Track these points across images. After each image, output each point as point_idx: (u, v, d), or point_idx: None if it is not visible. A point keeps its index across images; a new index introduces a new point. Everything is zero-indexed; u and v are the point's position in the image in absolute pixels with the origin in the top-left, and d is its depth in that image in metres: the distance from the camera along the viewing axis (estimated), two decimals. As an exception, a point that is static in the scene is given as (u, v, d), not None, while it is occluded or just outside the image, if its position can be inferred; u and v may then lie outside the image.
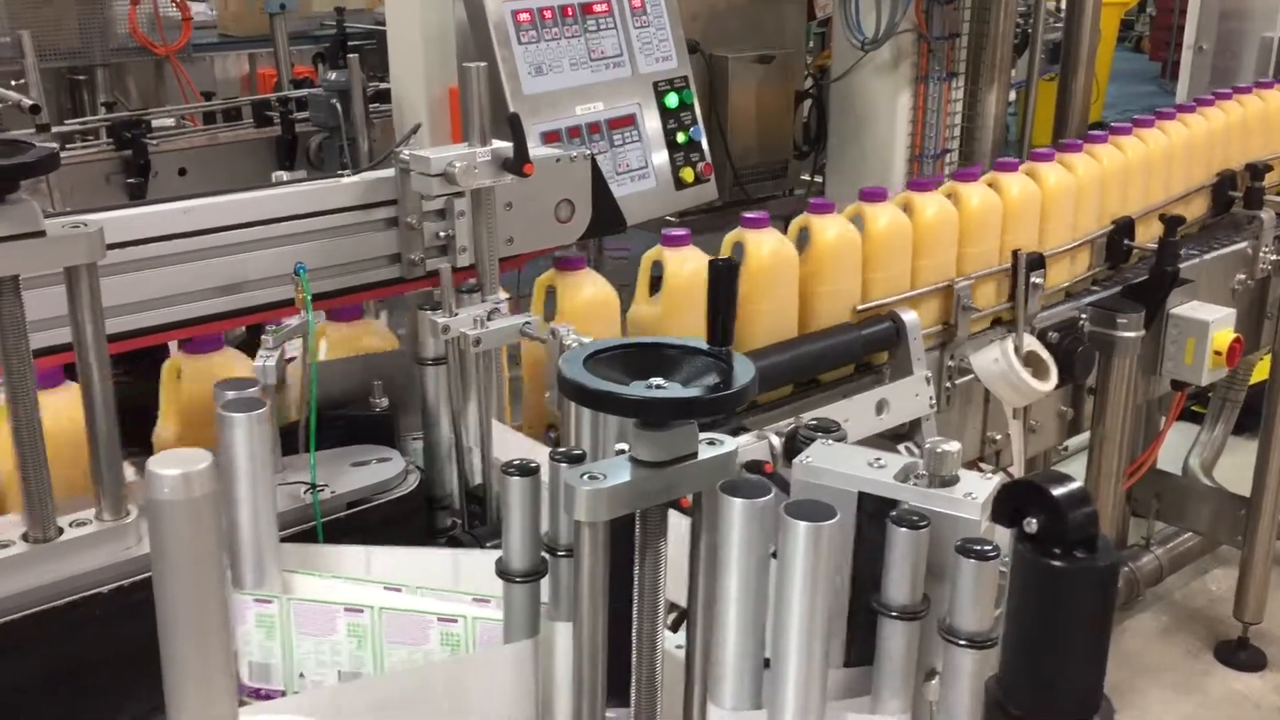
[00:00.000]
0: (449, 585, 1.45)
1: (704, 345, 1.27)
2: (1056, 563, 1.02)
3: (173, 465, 0.93)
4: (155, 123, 4.70)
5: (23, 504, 1.46)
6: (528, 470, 1.28)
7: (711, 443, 1.28)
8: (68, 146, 4.29)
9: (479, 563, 1.47)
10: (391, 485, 1.73)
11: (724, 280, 1.27)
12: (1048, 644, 1.03)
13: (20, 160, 1.30)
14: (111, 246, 1.48)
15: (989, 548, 1.13)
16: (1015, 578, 1.03)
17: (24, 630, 1.43)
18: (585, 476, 1.20)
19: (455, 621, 1.33)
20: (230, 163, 4.57)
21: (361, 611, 1.33)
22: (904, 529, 1.16)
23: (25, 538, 1.46)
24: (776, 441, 2.32)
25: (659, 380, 1.23)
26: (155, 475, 0.93)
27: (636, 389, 1.20)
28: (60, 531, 1.47)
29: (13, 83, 4.53)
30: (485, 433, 1.79)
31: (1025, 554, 1.03)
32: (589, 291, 2.08)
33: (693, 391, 1.21)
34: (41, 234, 1.35)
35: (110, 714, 1.51)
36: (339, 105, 4.28)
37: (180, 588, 0.95)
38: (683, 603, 1.30)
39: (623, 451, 1.33)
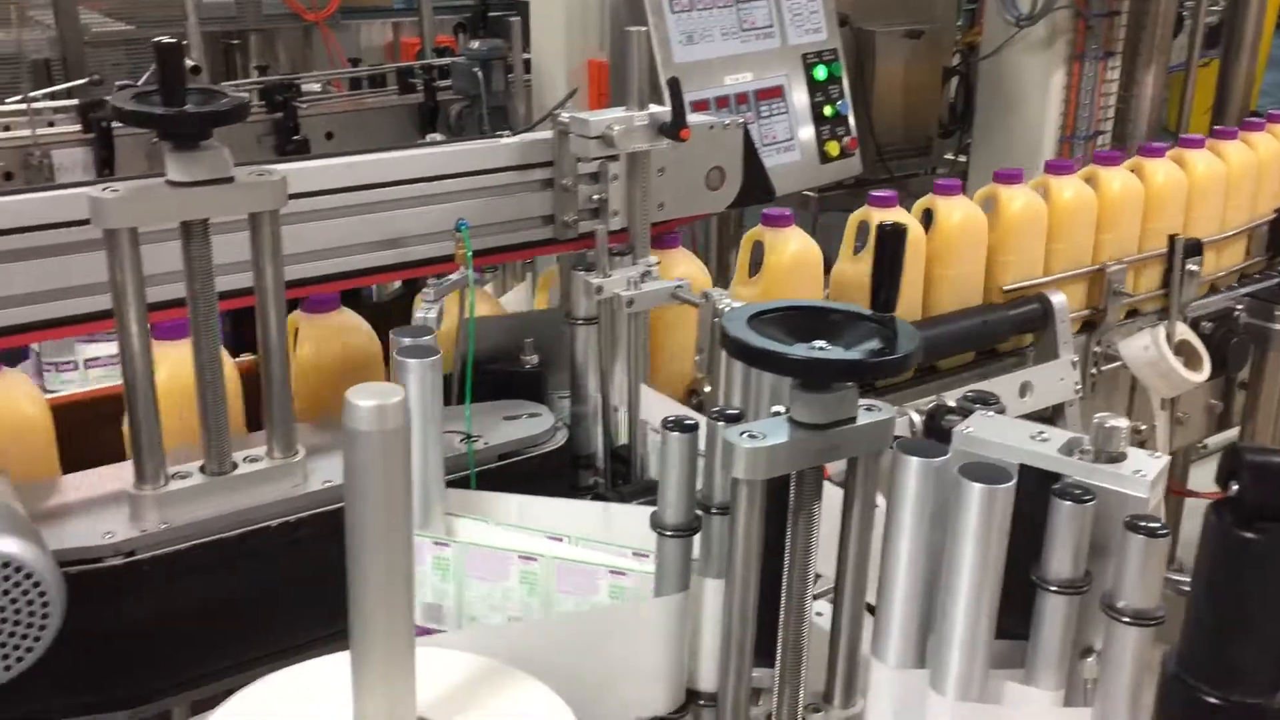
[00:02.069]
0: (599, 538, 1.49)
1: (867, 311, 1.27)
2: (1254, 534, 0.99)
3: (369, 397, 0.97)
4: (304, 87, 4.84)
5: (201, 438, 1.53)
6: (687, 427, 1.30)
7: (869, 409, 1.28)
8: (224, 107, 4.44)
9: (629, 517, 1.50)
10: (541, 440, 1.77)
11: (890, 244, 1.27)
12: (1239, 618, 1.01)
13: (213, 108, 1.36)
14: (284, 197, 1.54)
15: (1158, 525, 1.11)
16: (1209, 549, 1.01)
17: (198, 558, 1.51)
18: (745, 435, 1.22)
19: (625, 575, 1.36)
20: (374, 128, 4.68)
21: (535, 560, 1.37)
22: (1068, 502, 1.15)
23: (203, 470, 1.54)
24: (917, 419, 2.30)
25: (822, 343, 1.24)
26: (353, 406, 0.97)
27: (800, 349, 1.21)
28: (235, 466, 1.55)
29: (178, 43, 4.71)
30: (634, 393, 1.81)
31: (1223, 524, 1.00)
32: (795, 247, 2.09)
33: (856, 354, 1.22)
34: (230, 180, 1.41)
35: (271, 644, 1.58)
36: (480, 74, 4.36)
37: (371, 516, 0.99)
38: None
39: (779, 414, 1.35)
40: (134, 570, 1.47)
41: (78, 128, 3.88)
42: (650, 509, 1.51)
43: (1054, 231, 2.50)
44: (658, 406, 1.87)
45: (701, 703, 1.39)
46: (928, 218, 2.37)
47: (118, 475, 1.52)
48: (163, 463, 1.50)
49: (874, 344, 1.23)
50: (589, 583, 1.38)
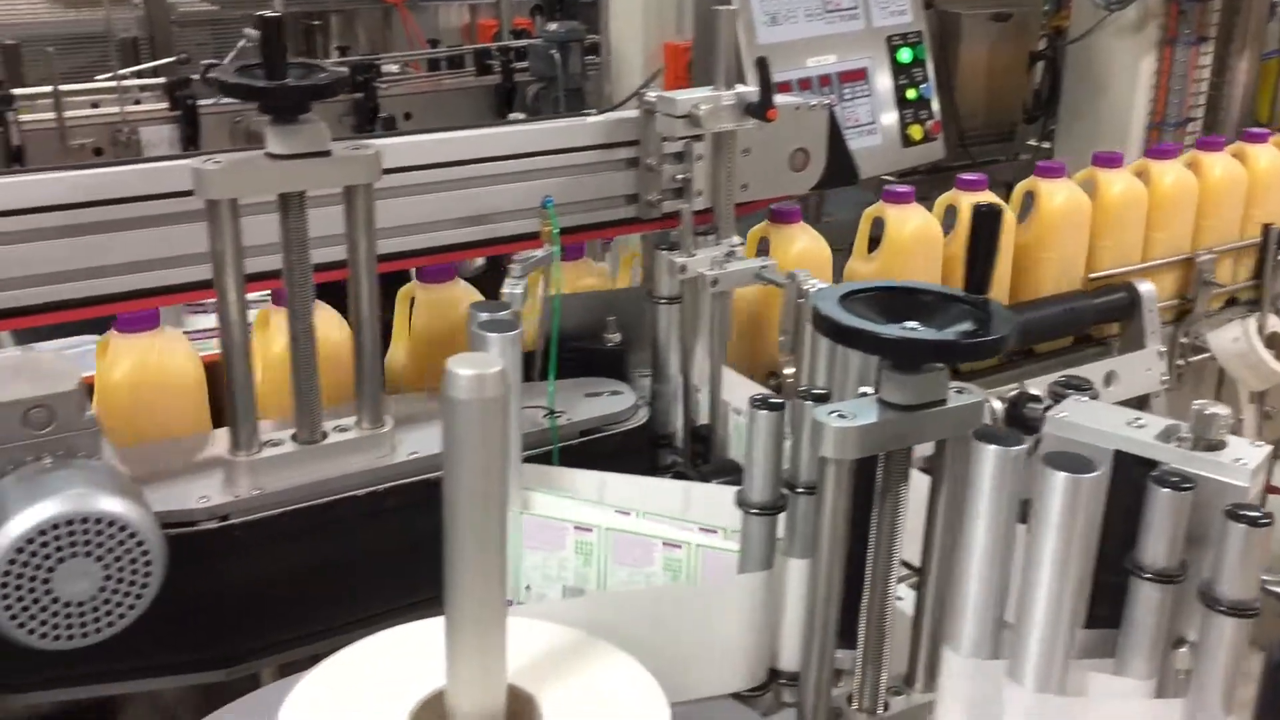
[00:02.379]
0: (679, 516, 1.50)
1: (960, 293, 1.26)
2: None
3: (469, 366, 0.98)
4: (383, 68, 4.89)
5: (293, 407, 1.56)
6: (774, 405, 1.30)
7: (960, 391, 1.27)
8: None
9: (709, 495, 1.51)
10: (623, 417, 1.78)
11: (986, 226, 1.26)
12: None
13: (313, 82, 1.39)
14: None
15: (1260, 514, 1.09)
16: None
17: (287, 524, 1.54)
18: (834, 415, 1.22)
19: (679, 547, 1.37)
20: (451, 109, 4.71)
21: (590, 530, 1.38)
22: (1167, 490, 1.13)
23: (294, 438, 1.57)
24: (998, 406, 2.28)
25: (913, 323, 1.23)
26: (452, 374, 0.98)
27: (892, 329, 1.21)
28: (325, 435, 1.58)
29: (259, 25, 4.79)
30: (715, 373, 1.82)
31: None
32: (802, 245, 2.09)
33: (948, 335, 1.21)
34: (328, 154, 1.43)
35: (356, 611, 1.61)
36: (557, 56, 4.37)
37: (467, 483, 1.00)
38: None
39: (866, 395, 1.34)
40: (227, 534, 1.50)
41: (164, 105, 3.96)
42: (730, 488, 1.52)
43: (1153, 218, 2.46)
44: (739, 387, 1.87)
45: (782, 681, 1.39)
46: (1028, 200, 2.35)
47: (215, 441, 1.56)
48: (256, 430, 1.53)
49: (966, 326, 1.22)
50: (644, 554, 1.39)
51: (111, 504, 1.22)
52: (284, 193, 1.45)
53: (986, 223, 1.25)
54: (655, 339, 1.90)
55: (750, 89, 1.83)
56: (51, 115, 3.66)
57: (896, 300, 1.27)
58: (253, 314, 1.60)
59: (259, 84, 1.36)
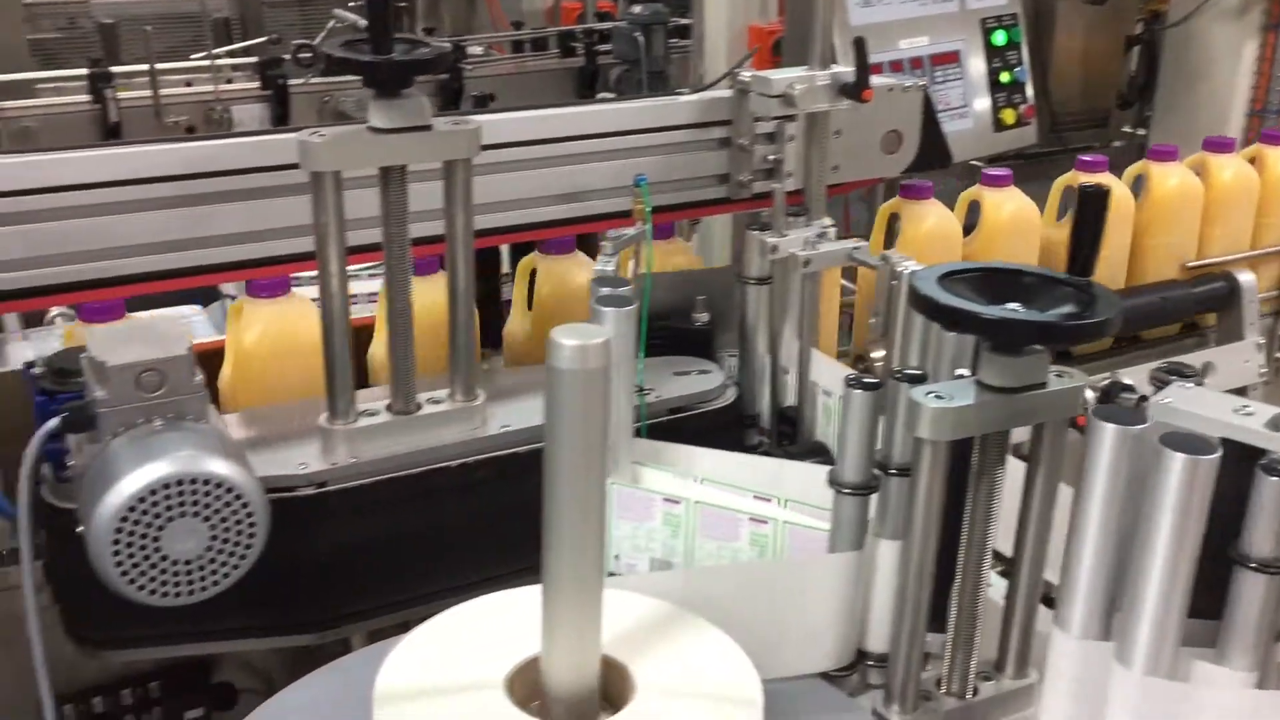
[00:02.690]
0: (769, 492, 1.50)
1: (1064, 275, 1.24)
2: None
3: (573, 337, 0.99)
4: (468, 50, 4.92)
5: (389, 379, 1.59)
6: (870, 385, 1.29)
7: (1060, 375, 1.26)
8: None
9: (802, 474, 1.50)
10: (711, 396, 1.79)
11: (1092, 206, 1.24)
12: None
13: (417, 57, 1.40)
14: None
15: (1373, 506, 1.06)
16: None
17: (381, 492, 1.57)
18: (931, 396, 1.21)
19: (765, 523, 1.37)
20: (535, 91, 4.74)
21: (678, 503, 1.39)
22: (1275, 478, 1.11)
23: (389, 409, 1.60)
24: (1090, 395, 2.24)
25: (1015, 305, 1.22)
26: (557, 344, 0.99)
27: (993, 310, 1.19)
28: (419, 407, 1.60)
29: (349, 3, 4.86)
30: (804, 354, 1.81)
31: None
32: (933, 222, 2.07)
33: (1051, 317, 1.19)
34: (429, 128, 1.45)
35: (444, 580, 1.64)
36: (641, 38, 4.37)
37: (568, 452, 1.01)
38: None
39: (962, 376, 1.33)
40: (323, 501, 1.54)
41: (255, 84, 4.04)
42: (821, 468, 1.51)
43: (1265, 205, 2.40)
44: (827, 368, 1.86)
45: (869, 663, 1.38)
46: (1136, 185, 2.31)
47: (316, 409, 1.59)
48: (354, 400, 1.56)
49: (1069, 308, 1.21)
50: (731, 529, 1.40)
51: (219, 466, 1.25)
52: (385, 166, 1.47)
53: (1093, 203, 1.23)
54: (743, 319, 1.90)
55: (845, 69, 1.81)
56: (148, 93, 3.74)
57: (998, 281, 1.26)
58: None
59: (365, 58, 1.38)
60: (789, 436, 1.87)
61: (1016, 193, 2.22)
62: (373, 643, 1.69)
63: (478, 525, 1.64)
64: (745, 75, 1.85)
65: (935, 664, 1.38)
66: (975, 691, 1.37)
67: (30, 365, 1.53)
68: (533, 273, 1.91)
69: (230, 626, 1.57)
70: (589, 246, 2.01)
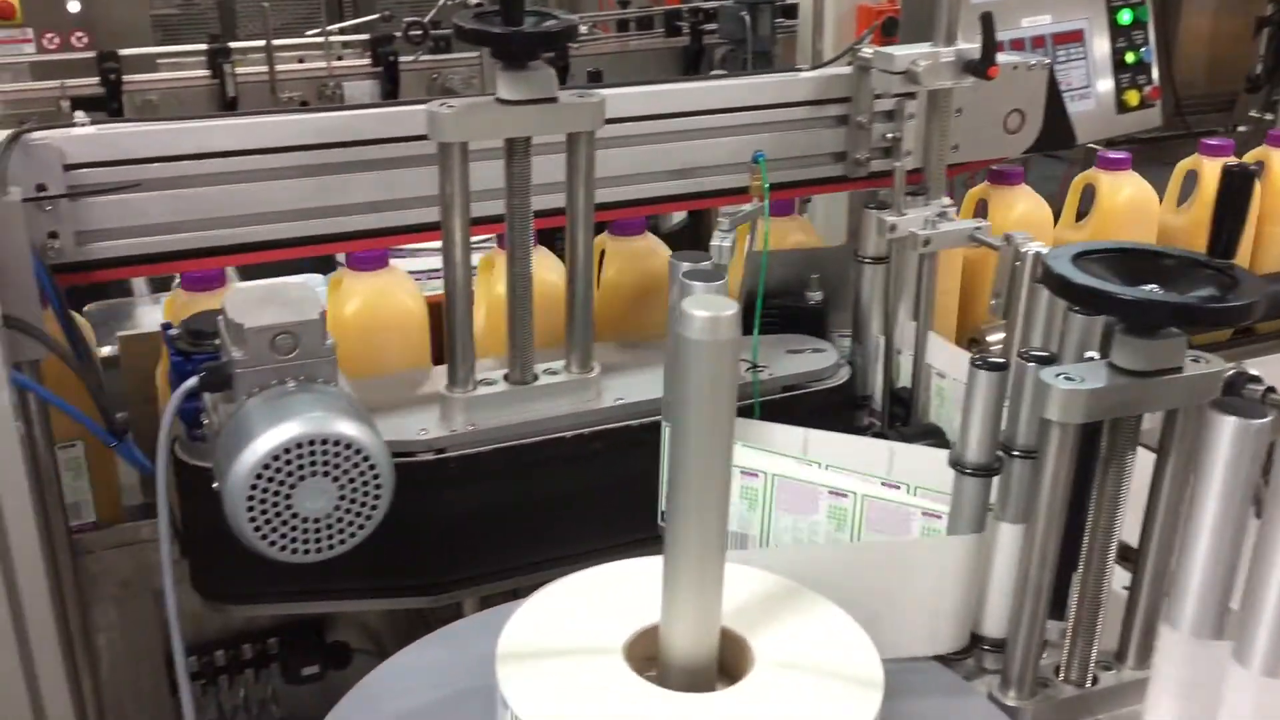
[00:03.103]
0: (884, 475, 1.48)
1: (1204, 257, 1.21)
2: None
3: (704, 308, 1.00)
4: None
5: (507, 349, 1.61)
6: (996, 365, 1.27)
7: (1196, 359, 1.22)
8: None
9: (914, 457, 1.49)
10: (825, 375, 1.78)
11: (1237, 188, 1.20)
12: None
13: (545, 29, 1.42)
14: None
15: None
16: None
17: (498, 460, 1.60)
18: (1061, 377, 1.19)
19: (940, 518, 1.35)
20: (639, 69, 4.74)
21: (845, 496, 1.38)
22: None
23: (506, 379, 1.62)
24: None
25: (1152, 286, 1.19)
26: (687, 315, 0.99)
27: (1130, 290, 1.17)
28: (535, 377, 1.62)
29: (456, -14, 4.92)
30: (921, 336, 1.79)
31: None
32: (1023, 208, 2.03)
33: (1192, 299, 1.16)
34: (554, 100, 1.46)
35: (556, 550, 1.66)
36: (748, 18, 4.34)
37: (695, 423, 1.02)
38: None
39: (1091, 359, 1.30)
40: (442, 467, 1.57)
41: (367, 61, 4.11)
42: (933, 450, 1.50)
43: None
44: (941, 350, 1.84)
45: (985, 647, 1.37)
46: (1258, 170, 2.24)
47: (434, 377, 1.62)
48: (473, 368, 1.59)
49: (1209, 290, 1.17)
50: (902, 524, 1.38)
51: (348, 428, 1.28)
52: (510, 138, 1.49)
53: (1237, 183, 1.20)
54: (858, 299, 1.88)
55: (969, 45, 1.78)
56: (263, 69, 3.84)
57: (1134, 262, 1.23)
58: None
59: (495, 30, 1.40)
60: (901, 419, 1.85)
61: (1134, 177, 2.17)
62: (483, 608, 1.72)
63: (589, 497, 1.66)
64: (866, 52, 1.83)
65: (1051, 651, 1.36)
66: (1095, 681, 1.35)
67: (167, 327, 1.58)
68: (601, 253, 1.91)
69: (349, 587, 1.61)
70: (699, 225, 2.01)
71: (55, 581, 1.28)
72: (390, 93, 4.03)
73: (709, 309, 1.00)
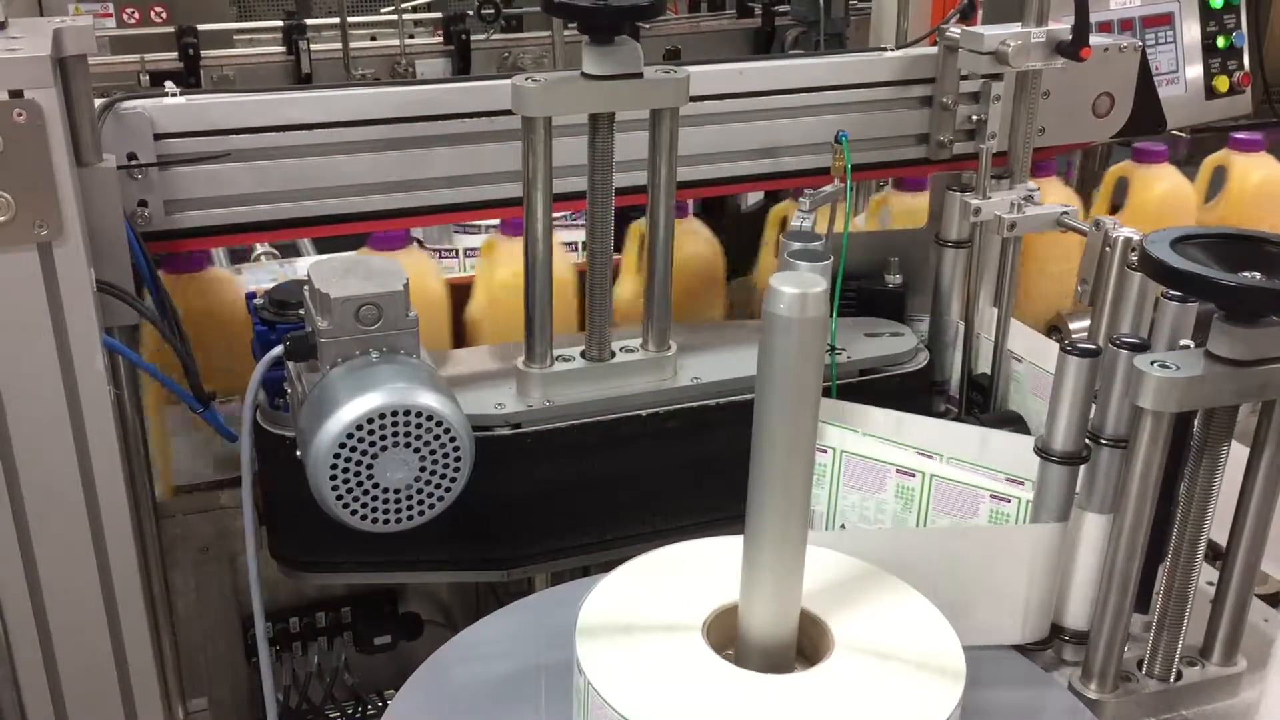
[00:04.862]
0: (973, 460, 1.46)
1: (1312, 244, 1.17)
2: None
3: (792, 285, 0.99)
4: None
5: (585, 326, 1.61)
6: (1088, 351, 1.25)
7: (1297, 350, 1.19)
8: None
9: (1004, 443, 1.46)
10: (903, 359, 1.75)
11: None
12: None
13: (633, 3, 1.40)
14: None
15: None
16: None
17: (574, 436, 1.60)
18: (1156, 365, 1.16)
19: (1009, 501, 1.33)
20: (709, 50, 4.71)
21: (913, 476, 1.36)
22: None
23: (584, 355, 1.62)
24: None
25: (1254, 274, 1.15)
26: (776, 291, 0.98)
27: (1231, 276, 1.14)
28: (613, 354, 1.62)
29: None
30: (1003, 321, 1.76)
31: None
32: (1166, 187, 1.99)
33: (1298, 288, 1.13)
34: (640, 76, 1.45)
35: (630, 528, 1.66)
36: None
37: (781, 399, 1.01)
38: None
39: (1187, 347, 1.27)
40: (518, 441, 1.57)
41: (438, 40, 4.12)
42: (1024, 437, 1.47)
43: None
44: (1021, 336, 1.81)
45: (1065, 638, 1.35)
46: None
47: (510, 352, 1.62)
48: (551, 344, 1.59)
49: (1314, 280, 1.14)
50: (970, 506, 1.36)
51: (430, 399, 1.29)
52: (594, 113, 1.48)
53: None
54: (938, 283, 1.85)
55: (1060, 26, 1.74)
56: (337, 46, 3.87)
57: (1236, 248, 1.19)
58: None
59: (582, 3, 1.39)
60: (979, 405, 1.83)
61: (1268, 159, 2.12)
62: (554, 585, 1.73)
63: (664, 476, 1.65)
64: (953, 32, 1.79)
65: (1132, 645, 1.33)
66: (1179, 676, 1.32)
67: (251, 296, 1.60)
68: (642, 237, 1.90)
69: (423, 559, 1.62)
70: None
71: (141, 544, 1.30)
72: (461, 71, 4.04)
73: (798, 285, 0.99)
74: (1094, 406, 1.28)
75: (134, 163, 1.46)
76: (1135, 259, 1.41)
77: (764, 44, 4.71)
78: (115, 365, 1.36)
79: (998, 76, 1.83)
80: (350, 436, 1.26)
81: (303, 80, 3.73)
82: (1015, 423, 1.72)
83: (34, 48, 1.12)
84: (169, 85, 1.55)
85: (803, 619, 1.13)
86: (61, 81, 1.17)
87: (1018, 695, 1.28)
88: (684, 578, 1.20)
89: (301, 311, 1.46)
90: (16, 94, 1.09)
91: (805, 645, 1.14)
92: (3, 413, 1.17)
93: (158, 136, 1.49)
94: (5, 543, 1.21)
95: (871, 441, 1.40)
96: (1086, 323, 1.86)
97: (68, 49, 1.18)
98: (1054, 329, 2.02)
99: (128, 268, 1.33)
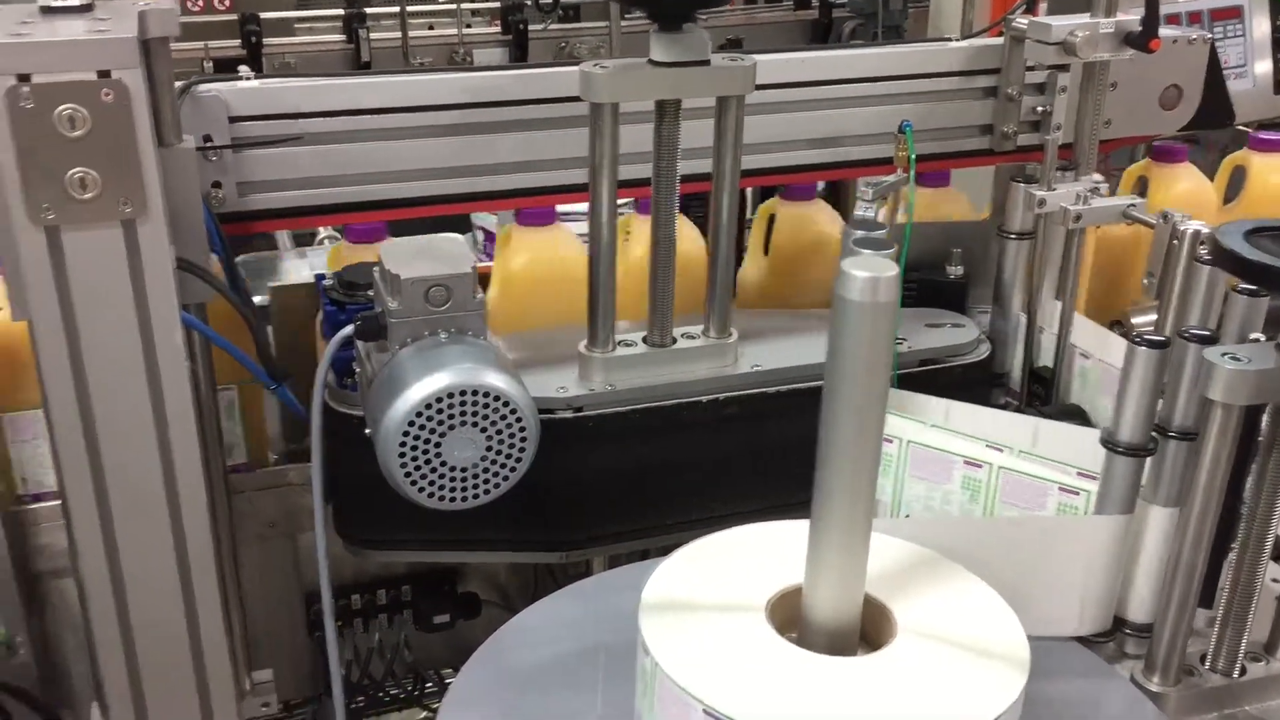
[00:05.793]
0: (1023, 448, 1.45)
1: (1387, 236, 1.16)
2: None
3: (864, 268, 0.99)
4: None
5: (648, 311, 1.62)
6: (1157, 343, 1.24)
7: (1372, 345, 1.18)
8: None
9: (1059, 434, 1.45)
10: (964, 351, 1.75)
11: None
12: None
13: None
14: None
15: None
16: None
17: (635, 421, 1.61)
18: (1227, 357, 1.15)
19: (1077, 494, 1.33)
20: (766, 42, 4.70)
21: (981, 467, 1.36)
22: None
23: (645, 340, 1.63)
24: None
25: (1328, 266, 1.14)
26: (848, 276, 0.99)
27: (1307, 270, 1.13)
28: (674, 340, 1.63)
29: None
30: (1066, 314, 1.75)
31: None
32: (1185, 186, 1.97)
33: (1372, 281, 1.12)
34: (707, 63, 1.46)
35: (688, 513, 1.67)
36: (880, -8, 4.27)
37: (850, 383, 1.01)
38: None
39: (1257, 340, 1.26)
40: (579, 425, 1.58)
41: (496, 29, 4.14)
42: (1080, 428, 1.47)
43: None
44: (1085, 330, 1.80)
45: (1128, 631, 1.34)
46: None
47: (572, 336, 1.64)
48: (613, 329, 1.60)
49: (1389, 271, 1.13)
50: (1038, 498, 1.36)
51: (497, 380, 1.31)
52: (661, 100, 1.49)
53: None
54: (1000, 274, 1.84)
55: (1129, 17, 1.73)
56: (396, 35, 3.90)
57: (1309, 240, 1.18)
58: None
59: (653, -9, 1.40)
60: (1040, 398, 1.82)
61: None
62: (611, 568, 1.74)
63: (723, 462, 1.66)
64: (1020, 22, 1.78)
65: (1195, 640, 1.32)
66: (1243, 671, 1.31)
67: (320, 277, 1.63)
68: (770, 218, 1.91)
69: (484, 539, 1.64)
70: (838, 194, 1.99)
71: (214, 518, 1.33)
72: (518, 60, 4.07)
73: (870, 270, 0.99)
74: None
75: (209, 144, 1.49)
76: (1204, 252, 1.40)
77: (821, 36, 4.69)
78: (190, 341, 1.39)
79: (1064, 67, 1.82)
80: (419, 415, 1.28)
81: (361, 68, 3.77)
82: (1077, 416, 1.71)
83: (121, 29, 1.15)
84: (243, 69, 1.58)
85: (866, 603, 1.14)
86: (145, 63, 1.19)
87: (1079, 686, 1.28)
88: (745, 560, 1.21)
89: (369, 292, 1.49)
90: (104, 74, 1.12)
91: (868, 629, 1.15)
92: (85, 387, 1.20)
93: (232, 119, 1.52)
94: (85, 515, 1.25)
95: (938, 432, 1.40)
96: (1149, 317, 1.85)
97: (152, 31, 1.21)
98: (1116, 323, 2.00)
99: (205, 247, 1.36)
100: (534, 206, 1.71)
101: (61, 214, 1.13)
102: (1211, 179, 2.17)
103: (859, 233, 1.37)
